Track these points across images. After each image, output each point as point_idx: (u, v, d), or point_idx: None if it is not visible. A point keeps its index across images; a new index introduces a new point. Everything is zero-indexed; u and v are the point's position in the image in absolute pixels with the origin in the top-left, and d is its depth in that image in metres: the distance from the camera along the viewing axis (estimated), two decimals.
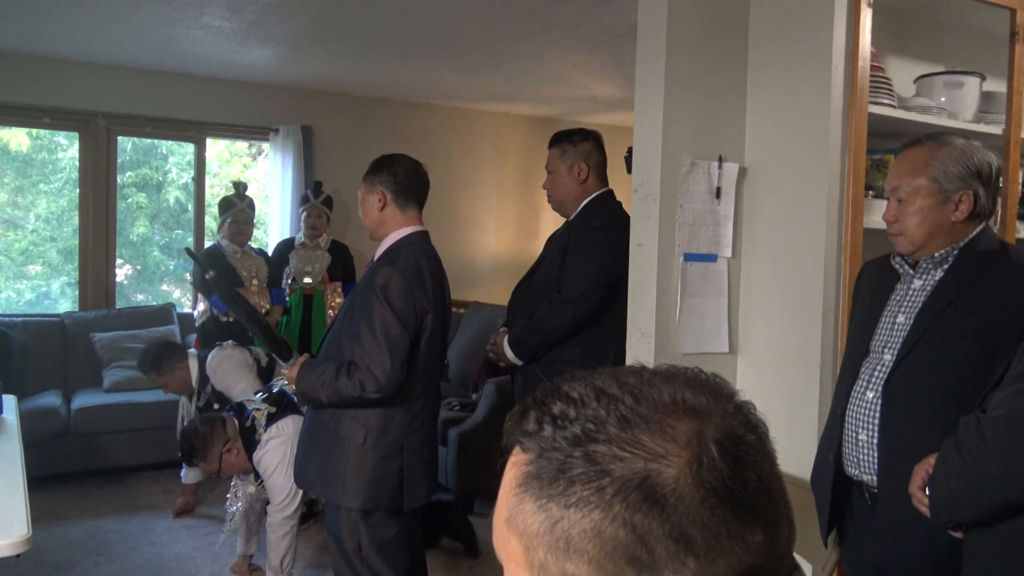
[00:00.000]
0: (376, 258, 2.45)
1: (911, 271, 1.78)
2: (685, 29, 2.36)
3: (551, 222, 6.00)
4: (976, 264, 1.70)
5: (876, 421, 1.73)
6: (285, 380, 2.63)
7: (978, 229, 1.74)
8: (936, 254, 1.73)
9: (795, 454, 2.30)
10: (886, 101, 2.34)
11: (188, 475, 4.11)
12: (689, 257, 2.40)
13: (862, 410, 1.77)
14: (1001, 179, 1.87)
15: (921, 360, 1.68)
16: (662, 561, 0.54)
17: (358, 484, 2.31)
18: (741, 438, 0.59)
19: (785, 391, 2.34)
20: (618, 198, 2.90)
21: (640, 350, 2.39)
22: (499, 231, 6.84)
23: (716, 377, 0.64)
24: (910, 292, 1.77)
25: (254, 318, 2.48)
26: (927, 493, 1.38)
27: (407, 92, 6.02)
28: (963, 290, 1.67)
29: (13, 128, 5.69)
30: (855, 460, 1.78)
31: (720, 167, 2.42)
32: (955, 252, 1.72)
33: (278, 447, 2.99)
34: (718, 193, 2.42)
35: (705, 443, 0.57)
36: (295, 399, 3.01)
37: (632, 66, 2.49)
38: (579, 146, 2.84)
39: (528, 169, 6.75)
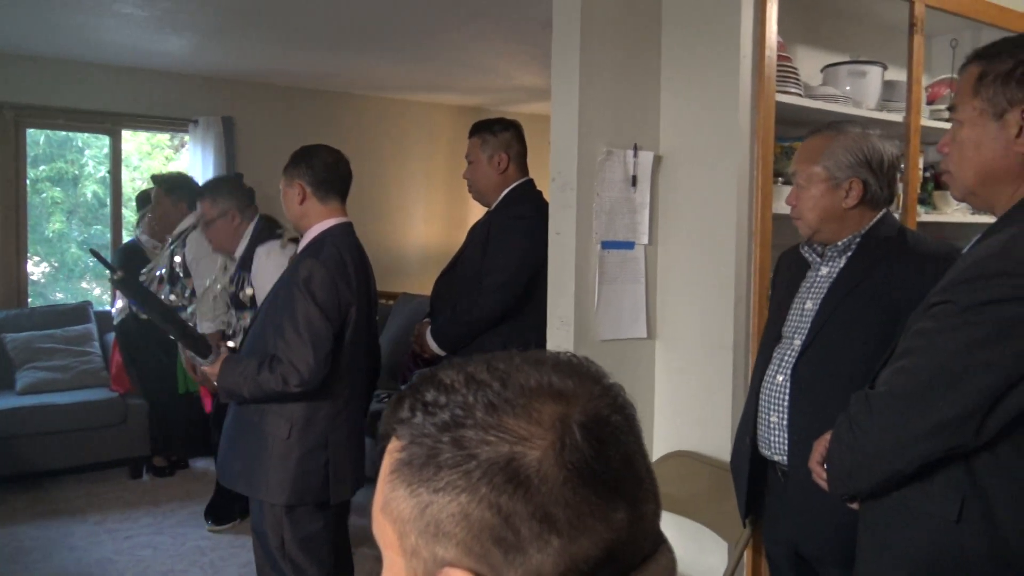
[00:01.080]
0: (299, 251, 2.42)
1: (819, 259, 1.85)
2: (599, 19, 2.38)
3: (479, 212, 6.00)
4: (875, 250, 1.77)
5: (786, 404, 1.78)
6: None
7: (878, 216, 1.81)
8: (840, 242, 1.79)
9: (711, 435, 2.36)
10: (793, 90, 2.40)
11: None
12: (607, 245, 2.43)
13: (774, 393, 1.82)
14: (902, 167, 1.95)
15: (826, 345, 1.74)
16: (527, 541, 0.56)
17: (282, 479, 2.29)
18: (606, 419, 0.60)
19: (701, 374, 2.39)
20: (538, 187, 2.91)
21: (560, 338, 2.41)
22: (428, 222, 6.82)
23: (586, 361, 0.65)
24: (818, 279, 1.84)
25: (168, 316, 2.42)
26: (825, 467, 1.43)
27: (333, 82, 5.94)
28: (863, 277, 1.74)
29: None
30: (768, 441, 1.83)
31: (635, 155, 2.45)
32: (857, 239, 1.79)
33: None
34: (634, 181, 2.45)
35: (569, 425, 0.58)
36: None
37: None
38: (499, 136, 2.85)
39: (457, 159, 6.70)
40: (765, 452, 1.85)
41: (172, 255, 3.80)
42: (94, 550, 3.66)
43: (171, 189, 4.10)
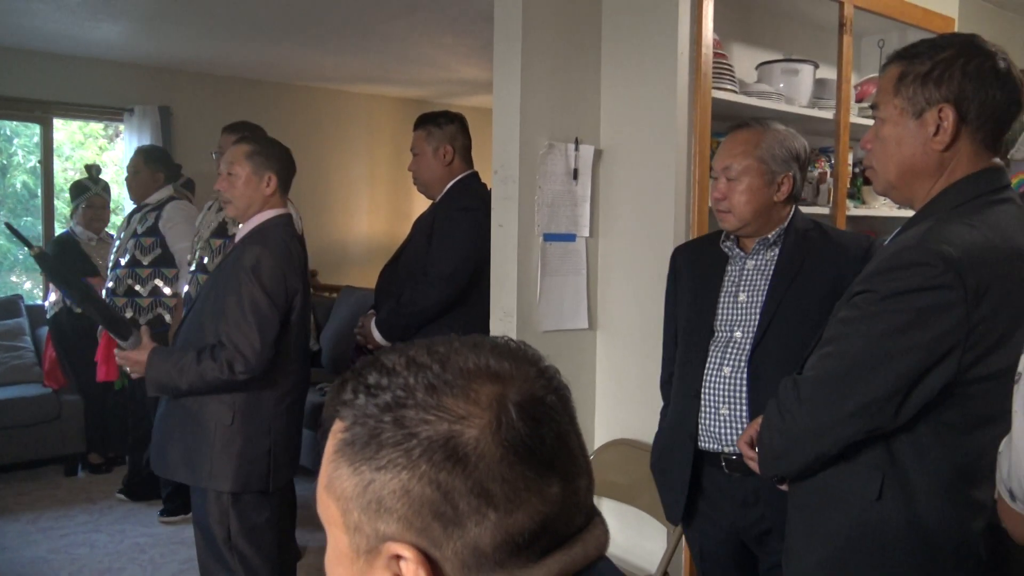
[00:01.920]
0: (239, 238, 2.40)
1: (741, 252, 1.90)
2: (540, 13, 2.42)
3: (423, 205, 5.99)
4: (803, 243, 1.84)
5: (741, 396, 1.80)
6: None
7: (793, 210, 1.88)
8: (770, 235, 1.85)
9: (651, 424, 2.42)
10: (728, 87, 2.47)
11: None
12: (549, 237, 2.47)
13: (720, 386, 1.83)
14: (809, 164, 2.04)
15: (778, 336, 1.78)
16: (465, 515, 0.59)
17: (226, 466, 2.26)
18: (541, 399, 0.63)
19: (641, 364, 2.45)
20: (482, 180, 2.94)
21: (503, 329, 2.45)
22: (371, 214, 6.78)
23: (523, 345, 0.69)
24: (745, 272, 1.88)
25: (86, 294, 2.35)
26: (755, 450, 1.49)
27: (273, 72, 5.86)
28: (799, 267, 1.80)
29: None
30: (715, 434, 1.83)
31: (576, 149, 2.49)
32: (782, 233, 1.85)
33: None
34: (575, 174, 2.50)
35: (505, 405, 0.61)
36: None
37: None
38: (444, 128, 2.87)
39: (400, 151, 6.70)
40: (709, 446, 1.85)
41: (142, 220, 3.83)
42: (27, 550, 3.56)
43: (150, 159, 4.07)
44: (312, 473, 4.17)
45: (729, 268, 1.91)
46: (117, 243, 3.96)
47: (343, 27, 4.55)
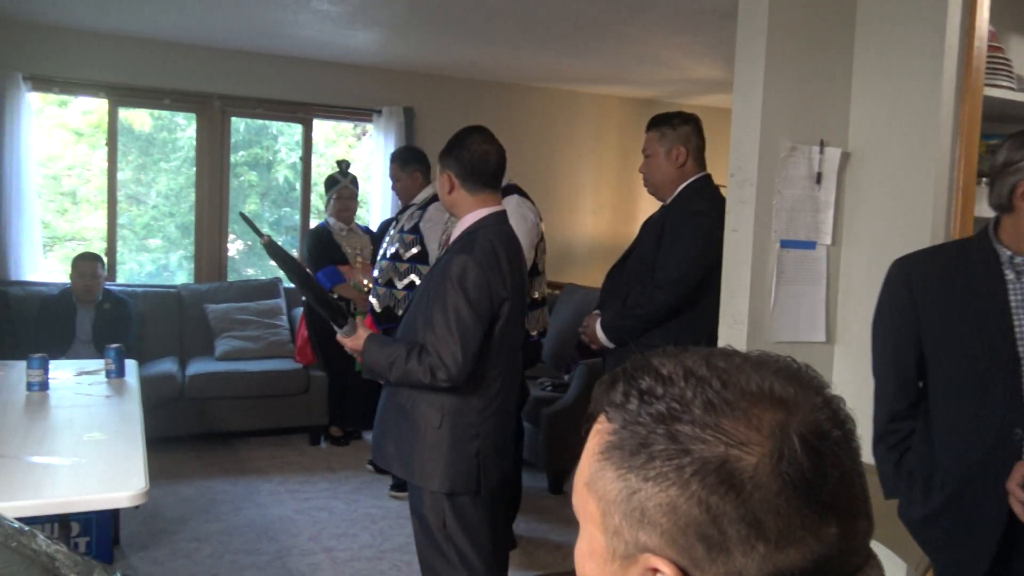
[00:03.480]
0: (451, 240, 2.41)
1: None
2: (788, 8, 2.30)
3: (648, 206, 5.94)
4: None
5: None
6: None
7: None
8: None
9: None
10: (1005, 83, 2.22)
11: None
12: (786, 244, 2.35)
13: None
14: None
15: None
16: (733, 542, 0.56)
17: (435, 467, 2.30)
18: (826, 433, 0.59)
19: None
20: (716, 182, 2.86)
21: (732, 337, 2.37)
22: (596, 214, 6.83)
23: (808, 369, 0.65)
24: None
25: (307, 282, 2.46)
26: None
27: (508, 74, 6.07)
28: None
29: (137, 109, 6.03)
30: None
31: (821, 152, 2.35)
32: None
33: None
34: (819, 179, 2.36)
35: (788, 435, 0.58)
36: None
37: (733, 47, 2.45)
38: (678, 129, 2.81)
39: (627, 152, 6.71)
40: None
41: (409, 218, 4.05)
42: (276, 507, 3.96)
43: (405, 163, 4.28)
44: (533, 466, 4.29)
45: (1015, 286, 1.67)
46: (388, 236, 4.23)
47: (578, 29, 4.61)
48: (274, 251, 2.32)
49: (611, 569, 0.62)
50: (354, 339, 2.35)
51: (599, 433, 0.64)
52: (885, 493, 1.88)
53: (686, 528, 0.57)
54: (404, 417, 2.35)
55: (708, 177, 2.84)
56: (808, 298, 2.39)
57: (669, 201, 2.83)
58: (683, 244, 2.68)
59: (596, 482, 0.63)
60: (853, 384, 2.38)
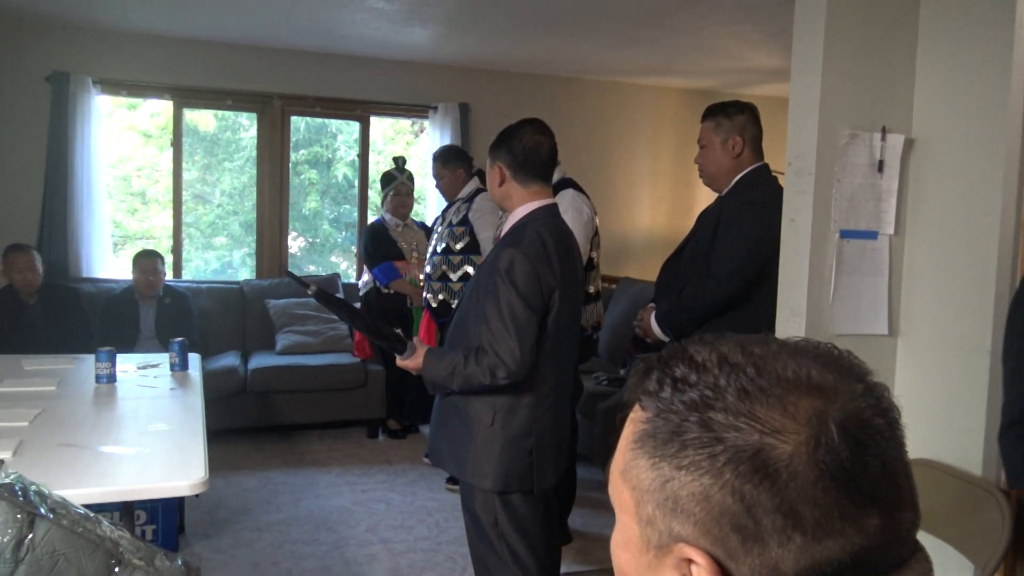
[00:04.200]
0: (502, 235, 2.39)
1: None
2: None
3: (705, 198, 5.86)
4: None
5: None
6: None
7: None
8: None
9: (959, 444, 2.16)
10: None
11: None
12: (846, 234, 2.29)
13: None
14: None
15: None
16: (768, 533, 0.55)
17: (488, 465, 2.28)
18: (867, 422, 0.57)
19: (950, 378, 2.19)
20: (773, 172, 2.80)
21: (790, 329, 2.31)
22: (653, 206, 6.76)
23: (849, 355, 0.62)
24: None
25: (361, 320, 2.46)
26: None
27: (562, 67, 6.05)
28: None
29: (201, 110, 6.19)
30: None
31: (883, 139, 2.28)
32: None
33: None
34: (880, 167, 2.29)
35: (826, 423, 0.56)
36: None
37: (792, 34, 2.39)
38: (734, 119, 2.76)
39: (684, 143, 6.62)
40: None
41: (456, 212, 4.09)
42: (335, 498, 4.03)
43: (447, 161, 4.37)
44: (588, 460, 4.27)
45: None
46: (436, 233, 4.27)
47: (634, 20, 4.57)
48: (324, 298, 2.34)
49: (646, 559, 0.61)
50: (414, 359, 2.34)
51: (633, 422, 0.63)
52: (1010, 483, 1.82)
53: (720, 518, 0.56)
54: (457, 415, 2.34)
55: (765, 167, 2.78)
56: (869, 290, 2.32)
57: (725, 192, 2.78)
58: (739, 235, 2.63)
59: (630, 471, 0.62)
60: (919, 377, 2.31)
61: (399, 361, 2.37)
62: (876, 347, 2.34)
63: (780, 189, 2.54)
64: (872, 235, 2.31)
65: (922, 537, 1.96)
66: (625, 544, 0.64)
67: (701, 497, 0.57)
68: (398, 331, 2.39)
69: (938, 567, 2.08)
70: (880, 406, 0.58)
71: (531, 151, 2.32)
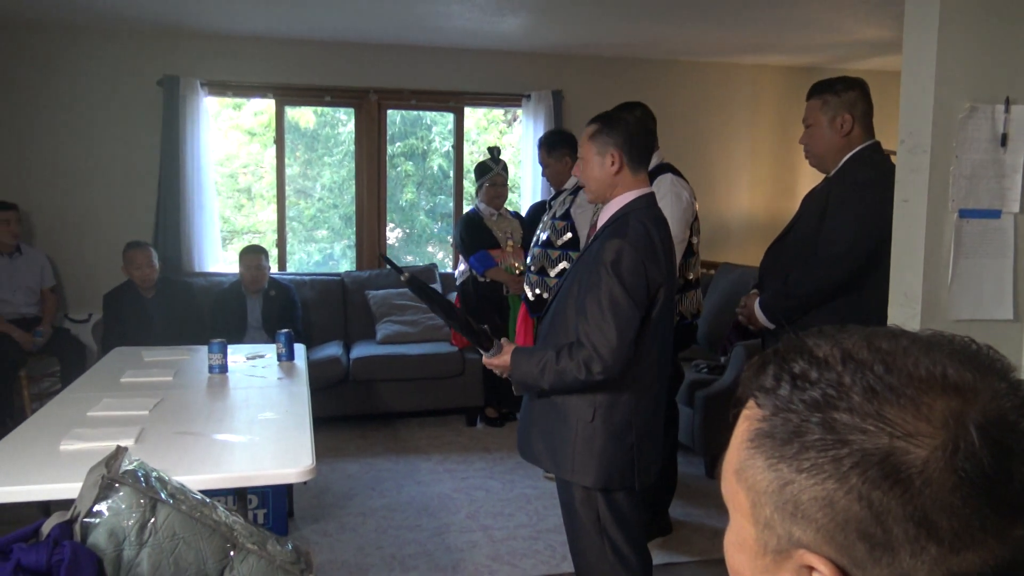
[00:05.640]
0: (601, 225, 2.30)
1: None
2: None
3: (808, 179, 5.65)
4: None
5: None
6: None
7: None
8: None
9: None
10: None
11: None
12: (965, 213, 2.15)
13: None
14: None
15: None
16: (899, 542, 0.51)
17: (589, 462, 2.22)
18: (1012, 424, 0.52)
19: None
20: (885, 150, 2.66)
21: (903, 315, 2.20)
22: (752, 189, 6.57)
23: (989, 350, 0.57)
24: None
25: (450, 311, 2.41)
26: None
27: (656, 51, 5.93)
28: None
29: (301, 107, 6.37)
30: None
31: (1007, 110, 2.13)
32: None
33: None
34: (1004, 140, 2.14)
35: (965, 426, 0.51)
36: None
37: (902, 3, 2.26)
38: (842, 96, 2.63)
39: (785, 123, 6.39)
40: None
41: (561, 204, 4.03)
42: (436, 485, 4.09)
43: (552, 148, 4.26)
44: (689, 449, 4.20)
45: None
46: (542, 222, 4.23)
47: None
48: (416, 286, 2.30)
49: (763, 563, 0.58)
50: (500, 357, 2.29)
51: (748, 419, 0.60)
52: None
53: (845, 525, 0.52)
54: (554, 411, 2.29)
55: (877, 145, 2.65)
56: (992, 272, 2.18)
57: (833, 172, 2.66)
58: (849, 217, 2.51)
59: (745, 471, 0.59)
60: None
61: (485, 359, 2.33)
62: (999, 333, 2.21)
63: (892, 168, 2.41)
64: (995, 214, 2.17)
65: None
66: (740, 545, 0.61)
67: (824, 502, 0.53)
68: (485, 327, 2.35)
69: None
70: None
71: (646, 135, 2.28)
